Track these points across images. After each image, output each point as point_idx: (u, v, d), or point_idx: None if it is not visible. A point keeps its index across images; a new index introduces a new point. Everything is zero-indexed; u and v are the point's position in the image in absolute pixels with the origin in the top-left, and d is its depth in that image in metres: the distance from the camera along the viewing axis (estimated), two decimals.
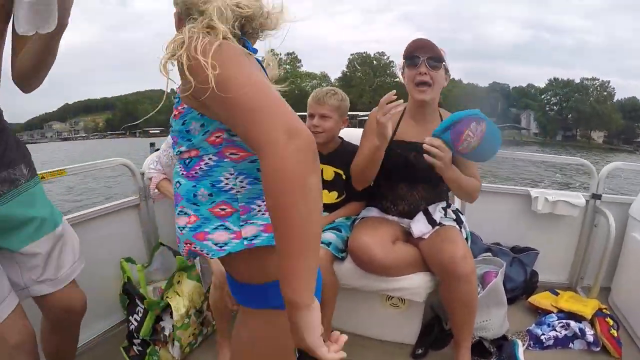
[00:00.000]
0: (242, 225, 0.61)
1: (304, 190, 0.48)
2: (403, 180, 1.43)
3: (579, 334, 1.53)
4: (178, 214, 0.64)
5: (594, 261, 1.85)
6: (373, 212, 1.49)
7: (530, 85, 67.44)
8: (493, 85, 64.15)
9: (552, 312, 1.68)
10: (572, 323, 1.57)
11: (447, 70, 1.38)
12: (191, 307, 1.44)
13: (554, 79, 55.29)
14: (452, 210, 1.45)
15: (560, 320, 1.60)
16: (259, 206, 0.62)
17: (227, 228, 0.61)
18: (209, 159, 0.61)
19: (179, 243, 0.67)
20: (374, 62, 63.41)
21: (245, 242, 0.61)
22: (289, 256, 0.50)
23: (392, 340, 1.52)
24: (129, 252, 1.61)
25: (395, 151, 1.38)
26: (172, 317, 1.41)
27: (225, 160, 0.61)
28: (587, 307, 1.63)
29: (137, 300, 1.44)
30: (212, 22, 0.57)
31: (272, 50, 0.70)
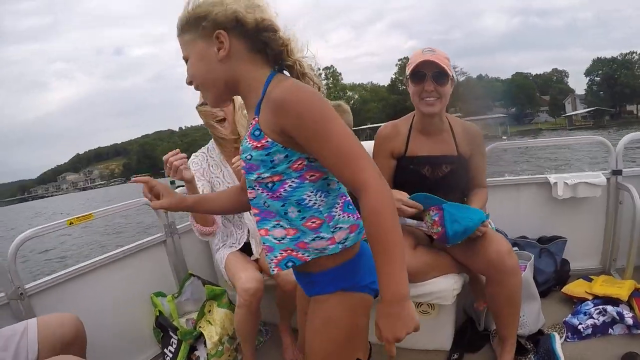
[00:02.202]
0: (333, 232, 0.75)
1: (395, 217, 0.67)
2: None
3: (618, 318, 1.51)
4: (273, 226, 0.76)
5: (624, 240, 1.84)
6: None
7: (554, 70, 68.17)
8: (515, 77, 63.58)
9: (587, 299, 1.67)
10: (609, 308, 1.55)
11: (452, 79, 1.38)
12: (223, 334, 1.50)
13: (597, 58, 54.33)
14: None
15: (597, 307, 1.59)
16: (337, 212, 0.76)
17: (322, 237, 0.74)
18: (292, 181, 0.73)
19: (269, 252, 0.78)
20: None
21: (340, 246, 0.75)
22: (381, 262, 0.66)
23: (426, 348, 1.54)
24: (159, 286, 1.70)
25: (409, 167, 1.42)
26: (205, 346, 1.48)
27: (306, 182, 0.74)
28: (622, 288, 1.62)
29: (171, 332, 1.51)
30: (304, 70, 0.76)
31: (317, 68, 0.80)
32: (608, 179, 1.84)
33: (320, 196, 0.74)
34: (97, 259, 1.57)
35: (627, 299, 1.57)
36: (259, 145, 0.72)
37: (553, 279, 1.81)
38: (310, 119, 0.67)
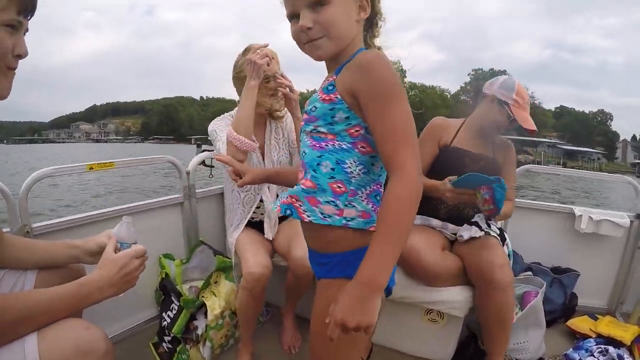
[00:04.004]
0: (346, 205, 0.76)
1: (414, 210, 0.67)
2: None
3: None
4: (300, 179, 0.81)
5: (635, 285, 1.88)
6: (417, 220, 1.54)
7: (600, 111, 69.07)
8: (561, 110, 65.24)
9: (590, 337, 1.71)
10: (611, 349, 1.59)
11: None
12: (227, 308, 1.50)
13: None
14: (497, 227, 1.50)
15: (599, 346, 1.63)
16: (362, 193, 0.77)
17: (335, 205, 0.76)
18: (343, 143, 0.75)
19: (284, 191, 0.82)
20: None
21: (343, 221, 0.76)
22: (377, 242, 0.66)
23: (427, 357, 1.57)
24: (168, 248, 1.70)
25: (452, 156, 1.53)
26: (206, 317, 1.48)
27: (355, 150, 0.75)
28: (627, 332, 1.66)
29: (173, 297, 1.50)
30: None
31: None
32: (631, 222, 1.87)
33: (360, 170, 0.76)
34: (110, 209, 1.55)
35: (629, 343, 1.61)
36: (327, 98, 0.76)
37: (560, 311, 1.84)
38: (383, 88, 0.69)
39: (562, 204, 1.98)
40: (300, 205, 0.77)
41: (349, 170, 0.75)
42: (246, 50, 1.48)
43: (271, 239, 1.57)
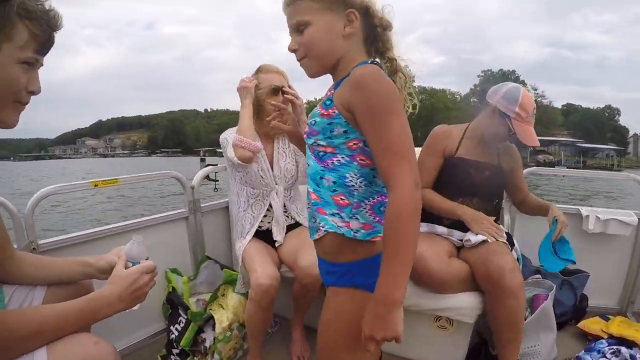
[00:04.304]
0: (351, 218, 0.78)
1: (416, 224, 0.70)
2: (459, 192, 1.53)
3: None
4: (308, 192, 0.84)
5: None
6: (422, 227, 1.54)
7: (607, 106, 68.76)
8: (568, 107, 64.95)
9: (602, 338, 1.69)
10: (623, 349, 1.57)
11: None
12: (235, 320, 1.50)
13: None
14: (505, 232, 1.50)
15: (611, 347, 1.61)
16: (365, 205, 0.79)
17: (341, 217, 0.79)
18: (342, 157, 0.78)
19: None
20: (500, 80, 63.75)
21: (352, 233, 0.78)
22: (388, 262, 0.69)
23: None
24: (174, 263, 1.71)
25: (457, 167, 1.53)
26: (214, 330, 1.48)
27: (354, 163, 0.78)
28: (639, 332, 1.64)
29: (180, 311, 1.51)
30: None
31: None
32: (639, 219, 1.86)
33: (361, 183, 0.78)
34: (115, 225, 1.57)
35: None
36: (325, 113, 0.79)
37: (570, 313, 1.83)
38: (378, 104, 0.71)
39: (569, 205, 1.97)
40: (315, 220, 0.81)
41: (350, 183, 0.78)
42: (258, 70, 1.61)
43: (281, 241, 1.58)
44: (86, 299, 0.83)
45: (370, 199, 0.79)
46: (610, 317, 1.81)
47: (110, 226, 1.56)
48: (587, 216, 1.85)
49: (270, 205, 1.59)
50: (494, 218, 1.53)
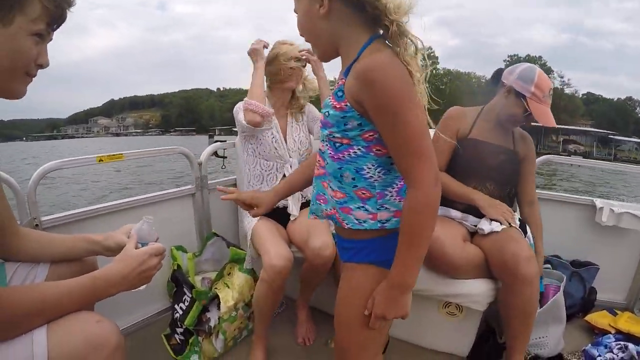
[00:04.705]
0: (378, 209, 0.78)
1: (433, 220, 0.72)
2: (473, 175, 1.50)
3: (637, 357, 1.53)
4: (328, 184, 0.82)
5: None
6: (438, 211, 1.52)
7: (628, 98, 67.98)
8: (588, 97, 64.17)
9: (609, 332, 1.69)
10: (631, 345, 1.57)
11: None
12: (240, 300, 1.48)
13: None
14: (518, 219, 1.47)
15: (618, 342, 1.61)
16: (390, 193, 0.78)
17: (366, 210, 0.78)
18: (358, 149, 0.76)
19: (323, 203, 0.84)
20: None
21: (379, 225, 0.78)
22: (403, 250, 0.73)
23: (444, 351, 1.56)
24: (180, 240, 1.69)
25: (470, 148, 1.49)
26: (219, 309, 1.46)
27: (371, 153, 0.76)
28: None
29: (185, 289, 1.48)
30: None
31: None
32: None
33: (380, 172, 0.77)
34: (121, 201, 1.54)
35: None
36: (338, 105, 0.76)
37: (579, 305, 1.82)
38: (388, 103, 0.68)
39: (582, 196, 1.94)
40: (339, 215, 0.81)
41: (368, 175, 0.77)
42: (277, 43, 1.65)
43: (297, 215, 1.58)
44: (91, 277, 0.82)
45: (395, 185, 0.79)
46: (617, 312, 1.80)
47: (115, 202, 1.54)
48: (601, 208, 1.83)
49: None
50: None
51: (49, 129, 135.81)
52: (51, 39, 0.77)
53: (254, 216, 1.02)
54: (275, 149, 1.59)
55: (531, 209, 1.57)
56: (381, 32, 0.76)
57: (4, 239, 0.91)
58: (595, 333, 1.73)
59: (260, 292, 1.35)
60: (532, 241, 1.47)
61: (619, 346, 1.58)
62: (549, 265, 1.77)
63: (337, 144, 0.78)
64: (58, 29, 0.77)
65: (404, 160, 0.71)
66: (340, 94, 0.76)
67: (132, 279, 0.86)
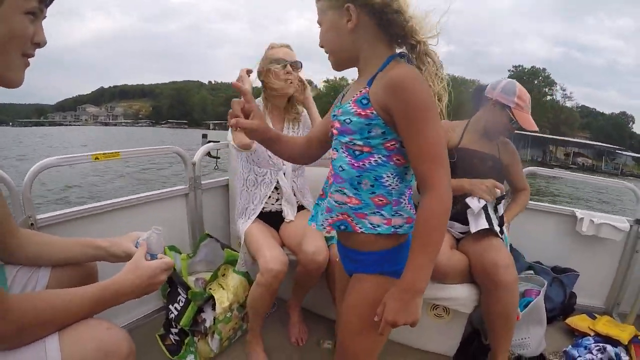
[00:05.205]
0: (393, 215, 0.82)
1: (445, 224, 0.76)
2: None
3: (615, 358, 1.62)
4: (337, 190, 0.85)
5: (632, 287, 1.96)
6: None
7: (622, 113, 68.64)
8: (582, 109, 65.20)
9: (589, 335, 1.78)
10: (609, 347, 1.66)
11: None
12: (235, 301, 1.52)
13: None
14: (499, 216, 1.56)
15: (597, 344, 1.70)
16: (404, 200, 0.84)
17: (382, 215, 0.82)
18: (379, 157, 0.80)
19: (326, 212, 0.87)
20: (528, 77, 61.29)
21: (392, 230, 0.82)
22: (416, 254, 0.76)
23: (432, 351, 1.62)
24: (173, 240, 1.71)
25: (461, 157, 1.59)
26: (213, 309, 1.50)
27: (391, 162, 0.81)
28: (624, 332, 1.74)
29: (180, 289, 1.52)
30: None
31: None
32: (631, 226, 1.95)
33: (397, 181, 0.82)
34: (115, 200, 1.56)
35: (626, 342, 1.68)
36: (362, 113, 0.79)
37: (559, 309, 1.91)
38: (415, 110, 0.74)
39: (564, 207, 2.05)
40: (352, 220, 0.83)
41: (387, 183, 0.81)
42: (268, 48, 1.61)
43: (293, 219, 1.61)
44: (101, 288, 0.82)
45: (406, 193, 0.84)
46: (596, 315, 1.90)
47: (111, 201, 1.56)
48: (582, 219, 1.93)
49: (276, 187, 1.61)
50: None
51: (36, 115, 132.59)
52: (44, 17, 0.73)
53: (236, 125, 0.91)
54: (270, 156, 1.58)
55: (521, 193, 1.78)
56: (398, 50, 0.83)
57: (2, 240, 0.90)
58: (575, 335, 1.82)
59: (257, 295, 1.38)
60: (507, 238, 1.56)
61: (598, 347, 1.67)
62: (531, 271, 1.86)
63: (357, 152, 0.81)
64: (51, 5, 0.73)
65: (423, 165, 0.75)
66: (365, 101, 0.79)
67: (140, 291, 0.87)
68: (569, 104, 63.70)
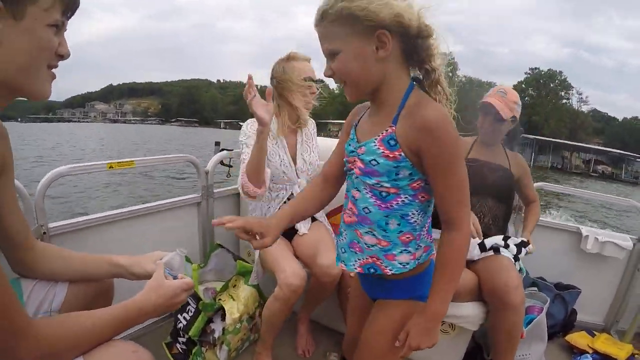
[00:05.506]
0: (417, 249, 0.86)
1: (466, 255, 0.82)
2: (474, 192, 1.59)
3: None
4: (366, 232, 0.86)
5: (632, 305, 2.00)
6: (434, 234, 1.61)
7: (634, 117, 67.36)
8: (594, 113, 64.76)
9: (587, 352, 1.83)
10: None
11: (515, 118, 1.68)
12: (245, 312, 1.54)
13: None
14: (515, 244, 1.59)
15: None
16: (423, 232, 0.87)
17: (408, 252, 0.85)
18: (406, 197, 0.81)
19: (358, 252, 0.88)
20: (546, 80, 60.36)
21: (416, 262, 0.86)
22: (442, 284, 0.81)
23: None
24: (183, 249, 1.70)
25: (471, 167, 1.60)
26: (223, 320, 1.51)
27: (416, 201, 0.82)
28: (622, 350, 1.79)
29: (189, 299, 1.53)
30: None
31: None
32: (634, 244, 1.98)
33: (420, 216, 0.84)
34: (128, 209, 1.57)
35: None
36: (391, 155, 0.78)
37: (560, 325, 1.95)
38: (448, 153, 0.75)
39: (569, 223, 2.08)
40: (382, 263, 0.86)
41: (412, 220, 0.83)
42: (289, 58, 1.57)
43: (306, 232, 1.62)
44: (123, 308, 0.83)
45: (425, 225, 0.87)
46: (595, 332, 1.95)
47: (122, 210, 1.57)
48: (587, 236, 1.96)
49: (289, 198, 1.62)
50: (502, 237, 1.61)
51: (45, 111, 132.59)
52: (66, 28, 0.73)
53: (258, 248, 0.88)
54: (284, 172, 1.59)
55: (532, 205, 1.84)
56: (418, 76, 0.82)
57: (18, 253, 0.90)
58: (574, 352, 1.86)
59: (275, 309, 1.39)
60: (522, 265, 1.59)
61: None
62: (535, 288, 1.89)
63: (384, 194, 0.81)
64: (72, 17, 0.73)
65: (449, 205, 0.78)
66: (392, 142, 0.77)
67: (162, 310, 0.88)
68: (584, 108, 63.13)
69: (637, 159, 38.89)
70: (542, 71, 61.35)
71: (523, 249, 1.59)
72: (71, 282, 0.96)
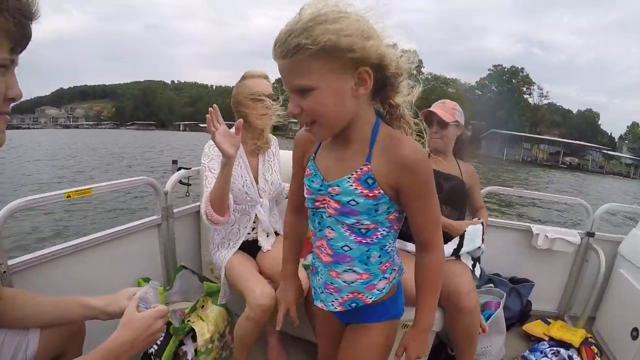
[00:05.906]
0: (391, 272, 0.91)
1: (442, 270, 0.88)
2: None
3: None
4: (345, 270, 0.87)
5: (582, 293, 2.18)
6: (397, 244, 1.70)
7: (588, 110, 70.74)
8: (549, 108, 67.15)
9: (544, 339, 1.97)
10: (562, 350, 1.85)
11: (458, 123, 1.78)
12: (215, 332, 1.57)
13: None
14: (474, 258, 1.71)
15: (552, 348, 1.89)
16: (395, 255, 0.93)
17: (385, 277, 0.90)
18: (383, 230, 0.85)
19: (335, 292, 0.90)
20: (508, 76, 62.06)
21: (390, 285, 0.91)
22: (429, 301, 0.89)
23: None
24: (146, 272, 1.72)
25: None
26: (194, 341, 1.54)
27: (392, 231, 0.87)
28: (575, 335, 1.94)
29: None
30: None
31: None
32: (582, 239, 2.15)
33: (394, 242, 0.90)
34: (86, 238, 1.53)
35: (578, 345, 1.88)
36: (370, 194, 0.78)
37: (517, 317, 2.09)
38: (426, 188, 0.80)
39: (521, 223, 2.24)
40: (363, 295, 0.89)
41: (389, 249, 0.89)
42: (243, 77, 1.59)
43: (270, 248, 1.64)
44: (104, 350, 0.81)
45: (395, 249, 0.92)
46: (550, 320, 2.10)
47: (84, 239, 1.52)
48: (538, 234, 2.12)
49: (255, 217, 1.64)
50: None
51: None
52: (16, 64, 0.65)
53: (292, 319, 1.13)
54: (247, 193, 1.59)
55: (482, 210, 1.94)
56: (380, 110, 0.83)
57: None
58: (532, 340, 2.01)
59: (247, 328, 1.41)
60: (479, 268, 1.71)
61: (553, 351, 1.86)
62: (491, 285, 2.02)
63: (364, 230, 0.83)
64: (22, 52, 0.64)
65: (426, 230, 0.84)
66: (370, 181, 0.78)
67: (140, 344, 0.86)
68: (545, 102, 66.40)
69: (597, 150, 41.31)
70: (505, 68, 64.10)
71: (480, 248, 1.70)
72: (43, 329, 0.94)
